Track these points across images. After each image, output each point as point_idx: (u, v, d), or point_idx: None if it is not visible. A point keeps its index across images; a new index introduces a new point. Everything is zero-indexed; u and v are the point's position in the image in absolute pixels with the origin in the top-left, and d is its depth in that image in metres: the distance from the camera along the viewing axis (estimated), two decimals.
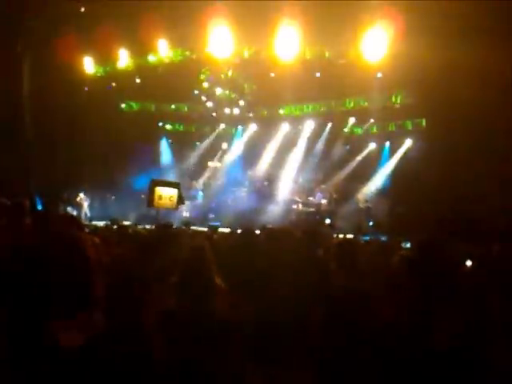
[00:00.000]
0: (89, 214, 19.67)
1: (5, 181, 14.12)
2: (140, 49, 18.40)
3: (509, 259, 4.04)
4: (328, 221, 17.52)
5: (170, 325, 3.80)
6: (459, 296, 3.71)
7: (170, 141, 23.47)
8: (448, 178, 16.09)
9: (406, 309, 3.83)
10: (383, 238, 11.23)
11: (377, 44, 15.54)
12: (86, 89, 19.55)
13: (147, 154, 21.86)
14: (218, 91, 20.82)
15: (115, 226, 9.89)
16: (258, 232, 6.16)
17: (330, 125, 21.64)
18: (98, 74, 19.50)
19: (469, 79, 14.23)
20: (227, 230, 11.60)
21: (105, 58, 18.84)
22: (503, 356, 3.52)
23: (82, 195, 19.79)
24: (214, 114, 22.40)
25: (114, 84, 19.98)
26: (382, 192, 19.77)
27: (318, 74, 18.20)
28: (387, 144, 20.97)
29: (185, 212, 19.98)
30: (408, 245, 8.70)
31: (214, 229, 12.54)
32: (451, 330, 3.61)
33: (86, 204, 19.85)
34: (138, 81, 19.63)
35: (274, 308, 4.21)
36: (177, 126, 23.52)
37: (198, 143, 23.61)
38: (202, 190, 21.98)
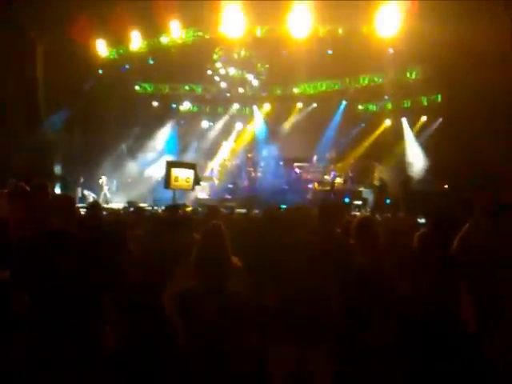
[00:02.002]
0: (109, 196, 19.80)
1: (23, 165, 14.27)
2: (153, 30, 18.33)
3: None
4: (345, 199, 17.45)
5: (187, 306, 3.85)
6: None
7: (183, 122, 23.44)
8: (464, 154, 16.01)
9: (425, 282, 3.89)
10: (400, 215, 11.24)
11: (390, 19, 15.39)
12: (100, 72, 19.50)
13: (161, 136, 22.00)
14: (232, 71, 20.73)
15: (132, 209, 9.94)
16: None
17: (344, 103, 21.50)
18: (112, 57, 19.47)
19: (483, 54, 14.05)
20: (243, 211, 11.58)
21: (118, 40, 18.79)
22: None
23: (104, 178, 19.94)
24: (227, 95, 22.33)
25: (127, 66, 19.94)
26: (398, 169, 19.71)
27: (330, 52, 18.05)
28: (403, 120, 20.85)
29: (201, 193, 20.04)
30: (423, 220, 8.71)
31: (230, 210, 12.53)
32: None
33: (106, 187, 19.99)
34: (151, 62, 19.54)
35: (294, 287, 4.24)
36: (191, 107, 23.47)
37: (211, 124, 23.57)
38: (218, 171, 22.00)
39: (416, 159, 19.70)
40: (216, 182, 21.43)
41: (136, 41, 18.51)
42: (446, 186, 17.24)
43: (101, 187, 19.83)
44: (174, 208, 6.88)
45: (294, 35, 16.84)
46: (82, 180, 18.71)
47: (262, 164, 21.80)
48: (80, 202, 16.26)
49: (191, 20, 17.92)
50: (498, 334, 3.64)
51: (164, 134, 22.64)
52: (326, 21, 16.89)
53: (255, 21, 17.27)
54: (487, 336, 3.67)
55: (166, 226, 5.52)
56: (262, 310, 4.11)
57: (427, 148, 19.14)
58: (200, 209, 12.35)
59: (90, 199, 17.74)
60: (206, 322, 3.76)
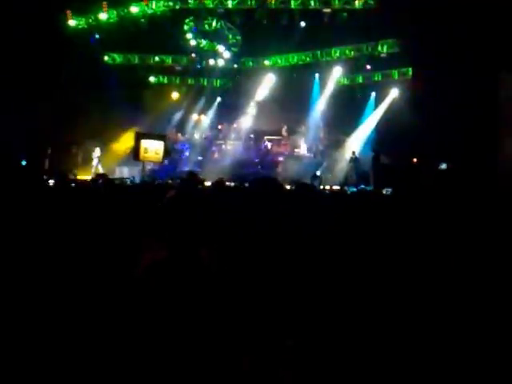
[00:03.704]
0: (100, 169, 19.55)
1: None
2: None
3: None
4: (317, 172, 17.51)
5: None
6: None
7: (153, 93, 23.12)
8: (433, 128, 16.17)
9: None
10: (369, 188, 11.35)
11: None
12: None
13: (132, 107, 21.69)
14: (203, 42, 20.46)
15: (100, 181, 9.79)
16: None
17: (317, 75, 21.42)
18: (80, 26, 19.05)
19: (458, 27, 14.14)
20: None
21: (86, 9, 18.40)
22: None
23: (97, 149, 19.76)
24: (198, 66, 22.08)
25: (97, 36, 19.51)
26: (368, 143, 19.84)
27: (303, 24, 17.94)
28: (373, 94, 20.90)
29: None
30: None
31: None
32: None
33: (96, 160, 19.82)
34: (120, 32, 19.16)
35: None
36: (161, 79, 23.16)
37: (181, 96, 23.29)
38: (188, 143, 21.83)
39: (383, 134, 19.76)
40: (187, 154, 21.27)
41: (105, 10, 18.19)
42: (415, 160, 17.43)
43: (90, 159, 19.62)
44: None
45: (266, 6, 16.70)
46: (49, 151, 18.40)
47: (233, 137, 21.72)
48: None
49: None
50: None
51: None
52: None
53: None
54: None
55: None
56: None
57: (393, 122, 19.18)
58: (170, 181, 12.28)
59: None
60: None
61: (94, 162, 19.78)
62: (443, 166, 15.87)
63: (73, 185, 8.08)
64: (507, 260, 3.51)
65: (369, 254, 4.01)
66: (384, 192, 9.31)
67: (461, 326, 3.12)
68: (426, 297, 3.44)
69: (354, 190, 12.36)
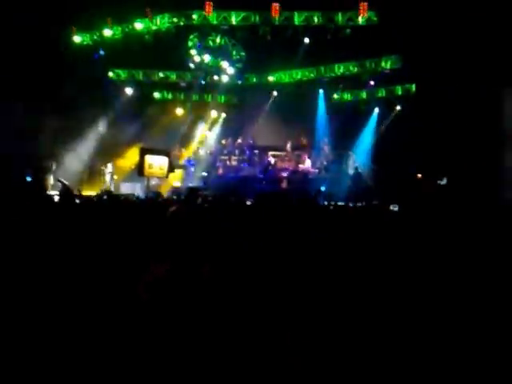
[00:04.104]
0: (111, 186, 19.60)
1: None
2: (126, 16, 18.14)
3: None
4: (321, 188, 17.50)
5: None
6: None
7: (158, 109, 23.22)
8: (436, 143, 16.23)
9: None
10: (375, 203, 11.34)
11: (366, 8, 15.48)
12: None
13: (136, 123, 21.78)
14: (207, 58, 20.55)
15: (105, 197, 9.83)
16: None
17: (321, 91, 21.51)
18: (85, 43, 19.20)
19: (459, 45, 14.22)
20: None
21: (91, 25, 18.56)
22: None
23: (109, 165, 19.85)
24: (202, 82, 22.19)
25: (101, 52, 19.64)
26: (372, 157, 19.86)
27: (306, 40, 18.03)
28: (376, 110, 20.95)
29: (174, 182, 19.97)
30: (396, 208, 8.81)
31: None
32: None
33: (109, 176, 19.87)
34: (125, 49, 19.29)
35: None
36: (165, 94, 23.29)
37: (185, 111, 23.36)
38: (193, 159, 21.91)
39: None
40: (192, 170, 21.35)
41: (110, 27, 18.33)
42: (420, 176, 17.42)
43: (103, 174, 19.68)
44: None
45: (269, 23, 16.82)
46: (54, 167, 18.44)
47: (237, 152, 21.77)
48: (53, 190, 16.05)
49: (166, 6, 17.80)
50: None
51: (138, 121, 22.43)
52: (302, 9, 16.92)
53: (231, 7, 17.22)
54: None
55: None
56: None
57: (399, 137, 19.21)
58: (175, 197, 12.30)
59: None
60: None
61: (107, 177, 19.86)
62: (444, 182, 15.90)
63: (77, 201, 8.10)
64: (505, 267, 3.52)
65: (373, 264, 4.02)
66: (391, 208, 9.30)
67: (458, 327, 3.13)
68: (424, 296, 3.45)
69: (360, 204, 12.34)
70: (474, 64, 14.43)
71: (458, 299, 3.42)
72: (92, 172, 20.29)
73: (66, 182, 17.90)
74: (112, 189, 18.88)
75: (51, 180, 17.76)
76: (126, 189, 18.59)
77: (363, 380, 2.88)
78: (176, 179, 20.47)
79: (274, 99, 21.88)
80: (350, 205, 12.94)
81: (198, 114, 23.29)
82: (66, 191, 7.87)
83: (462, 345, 3.01)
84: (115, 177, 20.15)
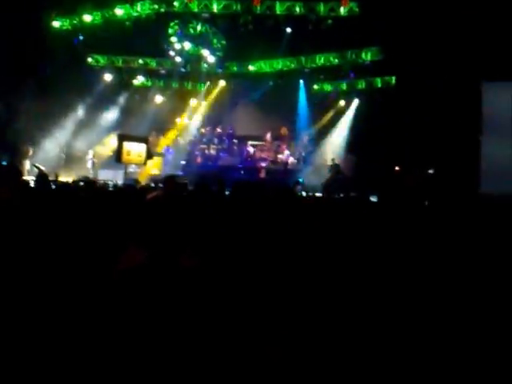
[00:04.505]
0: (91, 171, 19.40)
1: None
2: (107, 1, 17.94)
3: None
4: (299, 179, 17.53)
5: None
6: None
7: (137, 96, 23.00)
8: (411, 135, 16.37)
9: None
10: (352, 194, 11.34)
11: None
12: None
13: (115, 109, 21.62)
14: (187, 46, 20.38)
15: (81, 183, 9.75)
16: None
17: (301, 82, 21.47)
18: (64, 28, 18.93)
19: (441, 38, 14.31)
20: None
21: (71, 10, 18.31)
22: None
23: (91, 151, 19.75)
24: (182, 70, 22.02)
25: (80, 37, 19.36)
26: (349, 149, 19.90)
27: (288, 30, 17.99)
28: (355, 101, 20.97)
29: (152, 170, 19.87)
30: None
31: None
32: None
33: (90, 161, 19.78)
34: (105, 35, 19.04)
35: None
36: (144, 82, 23.09)
37: (164, 99, 23.17)
38: (172, 148, 21.81)
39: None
40: (170, 158, 21.25)
41: (90, 12, 18.11)
42: (398, 168, 17.53)
43: (84, 161, 19.48)
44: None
45: (251, 11, 16.75)
46: (31, 152, 18.23)
47: (216, 141, 21.71)
48: (29, 175, 15.84)
49: None
50: None
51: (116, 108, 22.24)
52: None
53: None
54: None
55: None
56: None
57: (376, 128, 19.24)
58: (152, 184, 12.22)
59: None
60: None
61: (89, 164, 19.74)
62: (430, 171, 16.05)
63: (53, 186, 8.00)
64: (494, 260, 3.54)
65: (359, 256, 4.03)
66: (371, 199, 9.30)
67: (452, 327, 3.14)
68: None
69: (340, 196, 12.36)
70: (453, 57, 14.54)
71: (441, 292, 3.45)
72: (70, 157, 20.10)
73: (43, 168, 17.78)
74: (91, 175, 18.75)
75: (27, 165, 17.55)
76: (105, 175, 18.37)
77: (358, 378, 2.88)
78: (154, 167, 20.37)
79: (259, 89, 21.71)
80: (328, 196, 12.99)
81: (177, 101, 23.10)
82: (41, 176, 7.74)
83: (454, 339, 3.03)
84: (95, 162, 19.95)
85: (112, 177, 17.86)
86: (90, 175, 18.12)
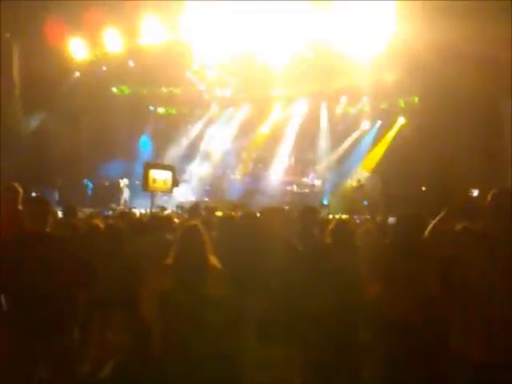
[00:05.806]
0: (128, 201, 19.45)
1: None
2: (130, 31, 18.15)
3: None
4: (324, 202, 17.52)
5: (166, 304, 3.85)
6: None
7: (162, 125, 23.20)
8: (440, 157, 16.21)
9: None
10: (379, 218, 11.28)
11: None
12: (77, 74, 19.24)
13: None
14: (210, 73, 20.51)
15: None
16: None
17: (323, 104, 21.50)
18: (89, 59, 19.23)
19: (461, 58, 14.22)
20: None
21: (95, 41, 18.59)
22: None
23: (124, 180, 19.72)
24: (206, 97, 22.18)
25: (104, 68, 19.64)
26: (375, 171, 19.81)
27: (309, 54, 18.04)
28: (378, 123, 20.93)
29: (179, 196, 19.93)
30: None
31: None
32: None
33: (126, 192, 19.68)
34: (129, 64, 19.27)
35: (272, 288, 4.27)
36: (169, 110, 23.30)
37: (190, 126, 23.35)
38: (197, 173, 21.90)
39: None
40: (195, 184, 21.33)
41: (114, 42, 18.34)
42: (424, 188, 17.37)
43: (120, 190, 19.62)
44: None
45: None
46: (59, 182, 18.47)
47: (241, 165, 21.78)
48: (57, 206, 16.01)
49: (169, 22, 17.80)
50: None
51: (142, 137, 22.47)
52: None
53: None
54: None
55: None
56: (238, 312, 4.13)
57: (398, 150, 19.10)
58: (180, 211, 12.28)
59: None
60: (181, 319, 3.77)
61: (125, 193, 19.76)
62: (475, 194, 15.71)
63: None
64: None
65: None
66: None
67: None
68: None
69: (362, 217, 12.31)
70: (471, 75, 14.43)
71: None
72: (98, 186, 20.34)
73: None
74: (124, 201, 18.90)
75: (56, 196, 17.73)
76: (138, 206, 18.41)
77: None
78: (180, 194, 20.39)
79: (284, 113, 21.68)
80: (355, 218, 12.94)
81: (202, 128, 23.23)
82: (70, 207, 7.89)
83: None
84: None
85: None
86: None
